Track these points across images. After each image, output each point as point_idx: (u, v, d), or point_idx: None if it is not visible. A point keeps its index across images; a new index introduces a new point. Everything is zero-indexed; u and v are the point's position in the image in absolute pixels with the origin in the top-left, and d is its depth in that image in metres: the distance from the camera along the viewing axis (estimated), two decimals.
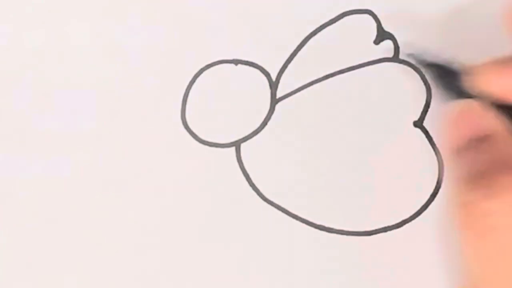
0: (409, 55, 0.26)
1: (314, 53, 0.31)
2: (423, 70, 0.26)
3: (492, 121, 0.21)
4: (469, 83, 0.22)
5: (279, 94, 0.31)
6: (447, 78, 0.24)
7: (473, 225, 0.21)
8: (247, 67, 0.31)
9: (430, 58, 0.25)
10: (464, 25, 0.32)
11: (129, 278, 0.31)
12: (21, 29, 0.30)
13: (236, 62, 0.31)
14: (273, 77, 0.31)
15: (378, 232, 0.29)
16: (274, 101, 0.31)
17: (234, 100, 0.31)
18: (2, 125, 0.30)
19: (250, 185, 0.31)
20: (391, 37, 0.31)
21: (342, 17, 0.31)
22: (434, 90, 0.25)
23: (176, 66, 0.30)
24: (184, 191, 0.31)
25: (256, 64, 0.31)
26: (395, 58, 0.31)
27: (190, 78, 0.30)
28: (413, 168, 0.29)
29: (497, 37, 0.27)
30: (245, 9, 0.30)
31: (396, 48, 0.31)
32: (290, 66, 0.31)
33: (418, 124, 0.30)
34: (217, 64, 0.31)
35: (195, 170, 0.31)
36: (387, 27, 0.31)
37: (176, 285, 0.31)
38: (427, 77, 0.25)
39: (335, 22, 0.31)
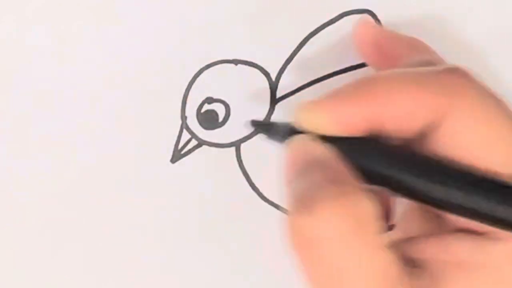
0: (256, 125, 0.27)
1: (314, 53, 0.31)
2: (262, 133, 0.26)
3: (319, 150, 0.23)
4: (300, 120, 0.24)
5: (279, 94, 0.31)
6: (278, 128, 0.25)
7: (296, 241, 0.22)
8: (247, 67, 0.31)
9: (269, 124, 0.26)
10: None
11: (129, 278, 0.31)
12: (21, 29, 0.30)
13: (236, 62, 0.31)
14: (273, 77, 0.31)
15: None
16: (274, 101, 0.31)
17: (234, 100, 0.31)
18: (2, 125, 0.30)
19: (250, 185, 0.31)
20: None
21: (342, 17, 0.31)
22: None
23: (176, 66, 0.30)
24: (184, 191, 0.31)
25: (256, 64, 0.31)
26: None
27: (190, 78, 0.30)
28: None
29: None
30: (245, 9, 0.30)
31: None
32: (290, 66, 0.31)
33: None
34: (217, 64, 0.31)
35: (195, 170, 0.31)
36: (387, 27, 0.31)
37: (175, 285, 0.31)
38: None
39: (335, 22, 0.31)
